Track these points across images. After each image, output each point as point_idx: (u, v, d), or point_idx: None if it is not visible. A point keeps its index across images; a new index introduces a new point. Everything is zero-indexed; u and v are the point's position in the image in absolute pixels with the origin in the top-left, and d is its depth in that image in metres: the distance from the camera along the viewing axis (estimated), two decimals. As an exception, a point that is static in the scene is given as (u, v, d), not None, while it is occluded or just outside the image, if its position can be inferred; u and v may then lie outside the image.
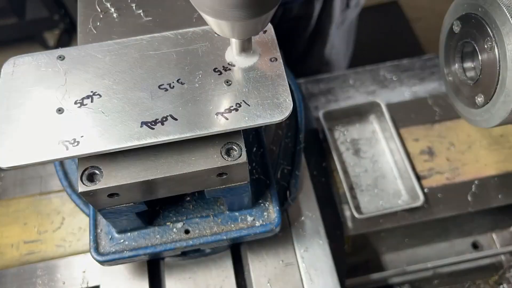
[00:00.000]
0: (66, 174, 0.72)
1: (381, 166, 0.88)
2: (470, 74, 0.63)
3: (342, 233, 0.80)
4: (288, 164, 0.75)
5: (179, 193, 0.53)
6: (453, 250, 0.90)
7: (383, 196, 0.85)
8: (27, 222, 0.80)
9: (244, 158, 0.48)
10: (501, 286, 0.84)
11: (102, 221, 0.59)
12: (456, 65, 0.64)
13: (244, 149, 0.48)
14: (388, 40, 2.26)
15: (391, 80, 1.02)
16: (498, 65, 0.54)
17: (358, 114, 0.94)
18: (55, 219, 0.80)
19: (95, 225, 0.59)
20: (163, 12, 0.58)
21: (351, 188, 0.86)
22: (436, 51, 0.71)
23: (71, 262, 0.76)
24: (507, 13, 0.51)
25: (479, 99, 0.59)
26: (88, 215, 0.68)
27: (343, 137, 0.92)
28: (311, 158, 0.81)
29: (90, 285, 0.73)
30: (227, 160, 0.48)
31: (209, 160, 0.48)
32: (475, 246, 0.90)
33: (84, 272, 0.74)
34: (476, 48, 0.58)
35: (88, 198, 0.48)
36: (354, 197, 0.85)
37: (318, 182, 0.79)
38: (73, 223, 0.79)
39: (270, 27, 0.51)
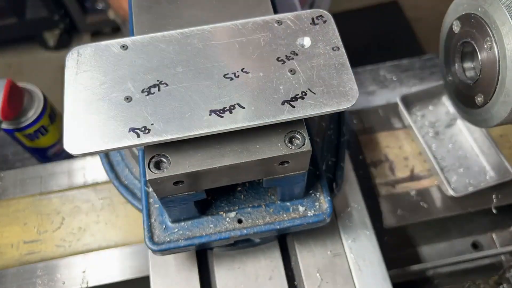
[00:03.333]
0: (112, 166, 0.73)
1: (462, 145, 0.90)
2: (470, 74, 0.63)
3: (382, 226, 0.81)
4: (332, 156, 0.75)
5: (241, 181, 0.53)
6: (453, 250, 0.90)
7: (469, 174, 0.86)
8: (27, 222, 0.80)
9: (308, 146, 0.48)
10: (501, 286, 0.84)
11: (154, 211, 0.59)
12: (456, 65, 0.64)
13: (307, 137, 0.48)
14: (388, 40, 2.26)
15: (391, 80, 1.02)
16: (498, 65, 0.54)
17: (431, 97, 0.94)
18: (55, 219, 0.80)
19: (148, 215, 0.59)
20: (217, 3, 0.57)
21: (441, 169, 0.86)
22: (436, 51, 0.71)
23: (71, 262, 0.76)
24: (507, 13, 0.51)
25: (479, 99, 0.59)
26: (135, 207, 0.70)
27: (420, 120, 0.93)
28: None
29: (90, 285, 0.74)
30: (291, 148, 0.48)
31: (273, 148, 0.48)
32: (475, 246, 0.90)
33: (84, 272, 0.75)
34: (476, 48, 0.58)
35: (154, 186, 0.48)
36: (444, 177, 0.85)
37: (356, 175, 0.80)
38: (73, 223, 0.79)
39: (329, 17, 0.51)
